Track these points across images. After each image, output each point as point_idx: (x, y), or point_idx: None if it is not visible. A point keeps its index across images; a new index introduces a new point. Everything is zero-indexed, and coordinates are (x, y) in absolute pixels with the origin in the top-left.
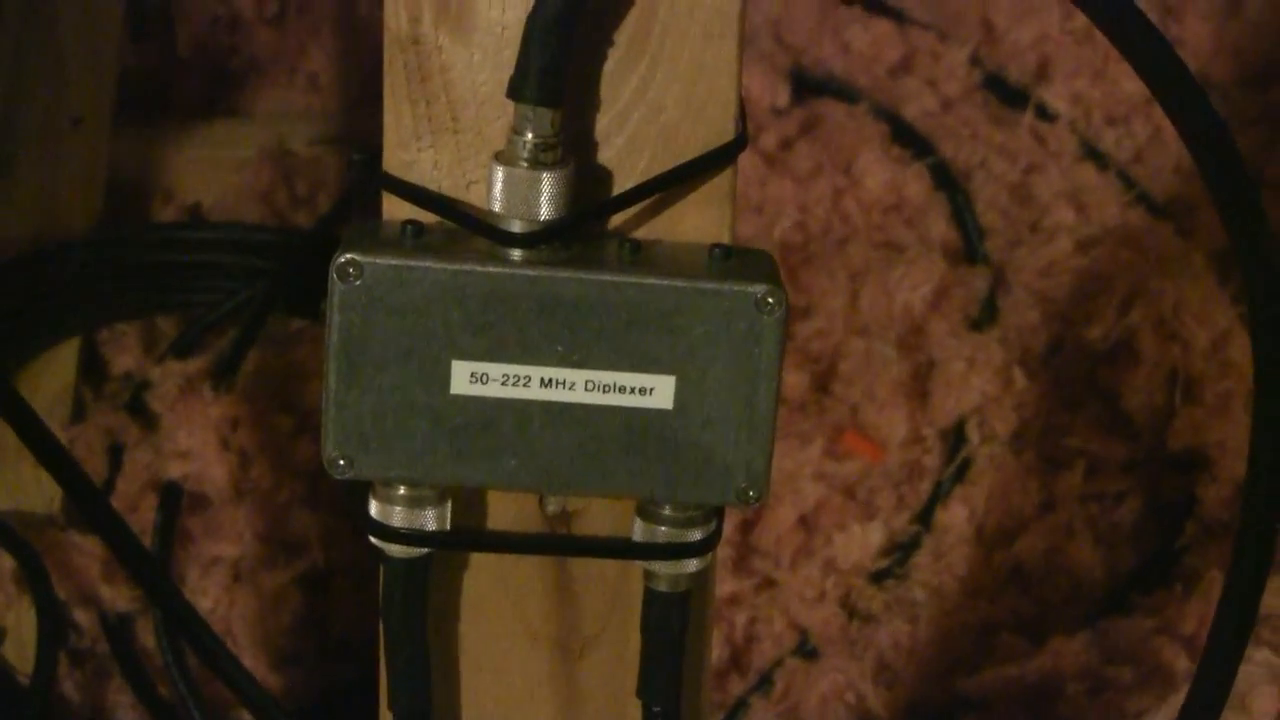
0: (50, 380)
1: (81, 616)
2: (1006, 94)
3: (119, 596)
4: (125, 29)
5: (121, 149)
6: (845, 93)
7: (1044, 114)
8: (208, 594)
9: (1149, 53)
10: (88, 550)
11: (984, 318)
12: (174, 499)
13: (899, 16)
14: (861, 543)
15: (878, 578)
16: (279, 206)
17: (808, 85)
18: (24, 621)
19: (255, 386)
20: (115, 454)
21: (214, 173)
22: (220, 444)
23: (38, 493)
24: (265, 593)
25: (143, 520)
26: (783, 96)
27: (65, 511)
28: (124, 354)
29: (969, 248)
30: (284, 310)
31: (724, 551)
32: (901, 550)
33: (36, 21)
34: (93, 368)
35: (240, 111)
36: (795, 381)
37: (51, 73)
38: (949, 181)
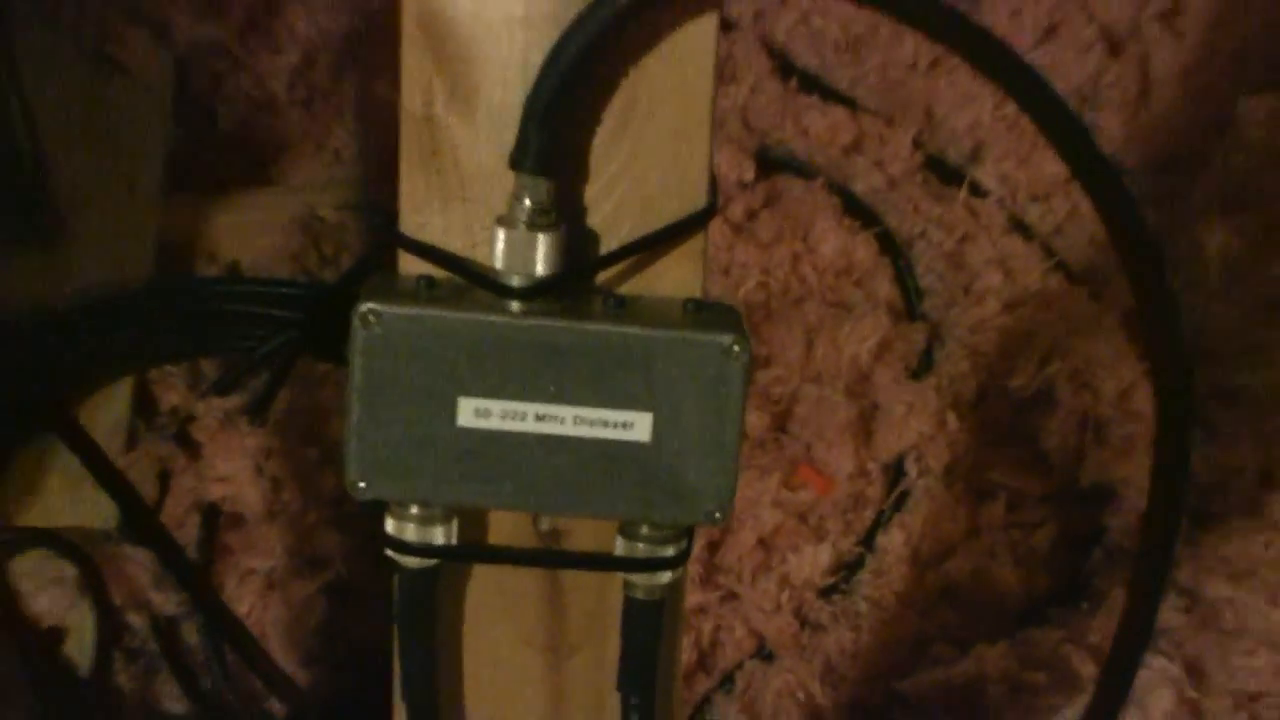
0: (108, 414)
1: (134, 619)
2: (944, 173)
3: (167, 602)
4: (174, 110)
5: (171, 214)
6: (803, 170)
7: (977, 191)
8: (244, 601)
9: (1071, 139)
10: (140, 561)
11: (922, 368)
12: (214, 518)
13: (851, 104)
14: (812, 562)
15: (826, 592)
16: (308, 264)
17: (770, 163)
18: (84, 623)
19: (286, 421)
20: (164, 478)
21: (251, 235)
22: (255, 471)
23: (97, 511)
24: (294, 600)
25: (187, 536)
26: (748, 172)
27: (120, 528)
28: (171, 391)
29: (909, 307)
30: (311, 355)
31: (693, 568)
32: (847, 569)
33: (98, 104)
34: (144, 403)
35: (274, 182)
36: (756, 421)
37: (110, 148)
38: (893, 248)
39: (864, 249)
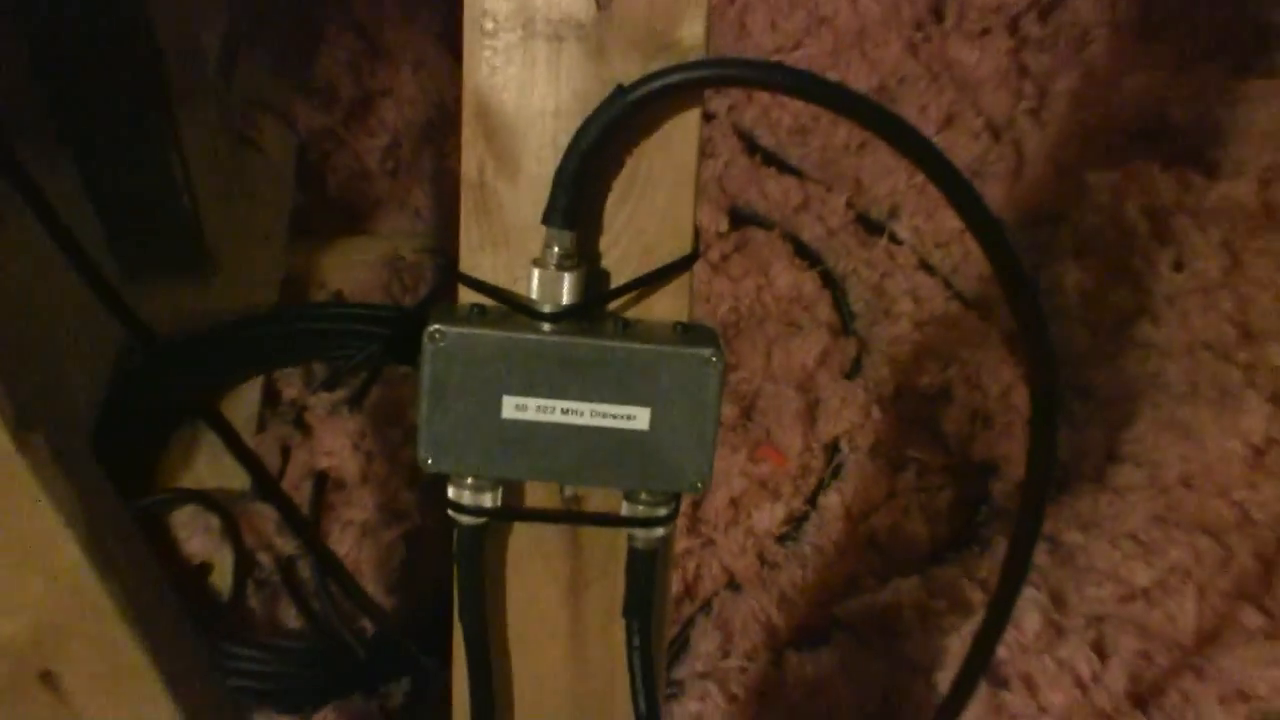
0: (244, 404)
1: (262, 558)
2: (870, 226)
3: (287, 545)
4: (296, 178)
5: (292, 255)
6: (764, 223)
7: (894, 239)
8: (344, 544)
9: (965, 201)
10: (266, 515)
11: (853, 372)
12: (322, 483)
13: (799, 174)
14: (770, 516)
15: (781, 540)
16: (393, 293)
17: (739, 218)
18: (225, 560)
19: (376, 410)
20: (285, 453)
21: (351, 270)
22: (353, 447)
23: (235, 477)
24: (381, 544)
25: (302, 496)
26: (723, 225)
27: (252, 490)
28: (291, 387)
29: (844, 325)
30: (394, 360)
31: (680, 521)
32: (796, 522)
33: (239, 175)
34: (271, 397)
35: (368, 231)
36: (728, 412)
37: (248, 207)
38: (832, 282)
39: (810, 283)
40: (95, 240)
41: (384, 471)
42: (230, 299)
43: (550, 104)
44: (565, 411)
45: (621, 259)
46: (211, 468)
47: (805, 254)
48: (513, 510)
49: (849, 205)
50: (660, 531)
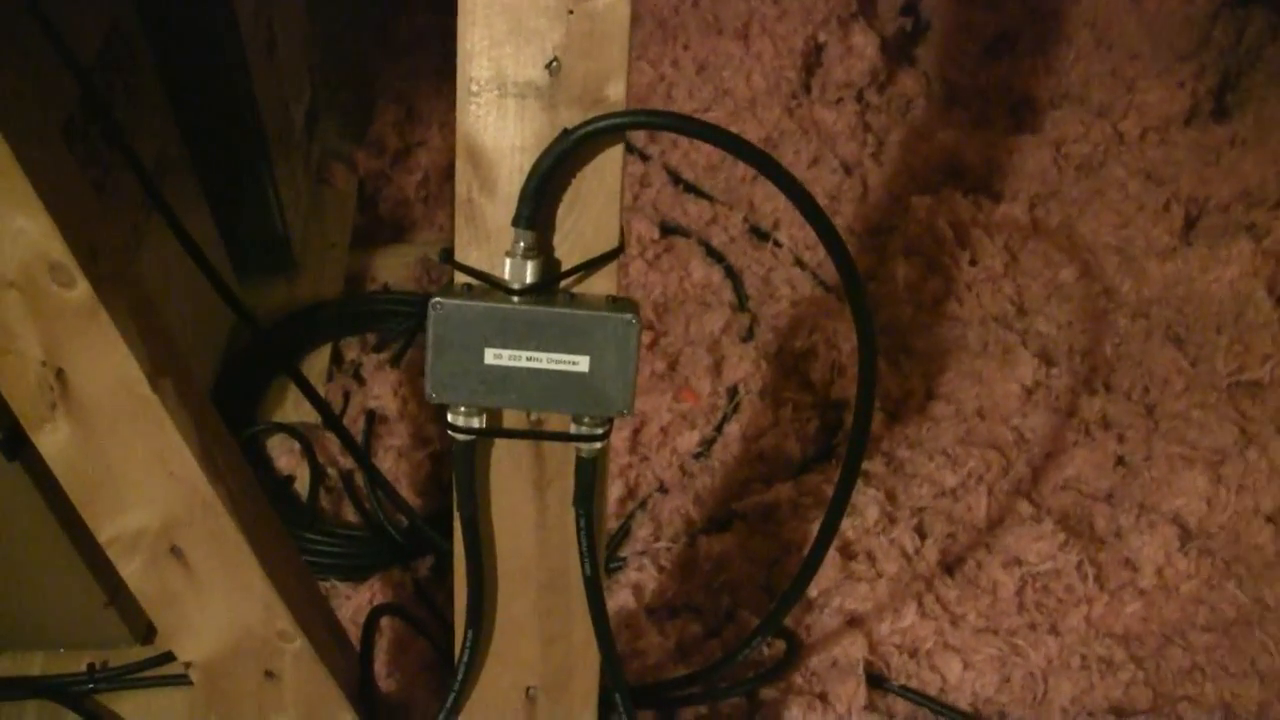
0: (317, 363)
1: (331, 471)
2: (760, 235)
3: (347, 462)
4: (357, 204)
5: (353, 259)
6: (685, 233)
7: (776, 244)
8: (385, 461)
9: (817, 218)
10: (332, 441)
11: (747, 337)
12: (372, 418)
13: (710, 198)
14: (688, 440)
15: (696, 456)
16: (424, 284)
17: (667, 229)
18: (304, 473)
19: (410, 366)
20: (346, 397)
21: (395, 268)
22: (394, 393)
23: (312, 414)
24: (414, 462)
25: (357, 428)
26: (656, 234)
27: (323, 423)
28: (351, 350)
29: (741, 304)
30: (423, 331)
31: (624, 444)
32: (707, 444)
33: (315, 203)
34: (337, 357)
35: (407, 240)
36: (659, 366)
37: (322, 225)
38: (732, 274)
39: (717, 275)
40: (215, 250)
41: (415, 410)
42: (309, 290)
43: (517, 142)
44: (529, 359)
45: (568, 251)
46: (296, 408)
47: (714, 255)
48: (494, 430)
49: (745, 220)
50: (599, 445)
